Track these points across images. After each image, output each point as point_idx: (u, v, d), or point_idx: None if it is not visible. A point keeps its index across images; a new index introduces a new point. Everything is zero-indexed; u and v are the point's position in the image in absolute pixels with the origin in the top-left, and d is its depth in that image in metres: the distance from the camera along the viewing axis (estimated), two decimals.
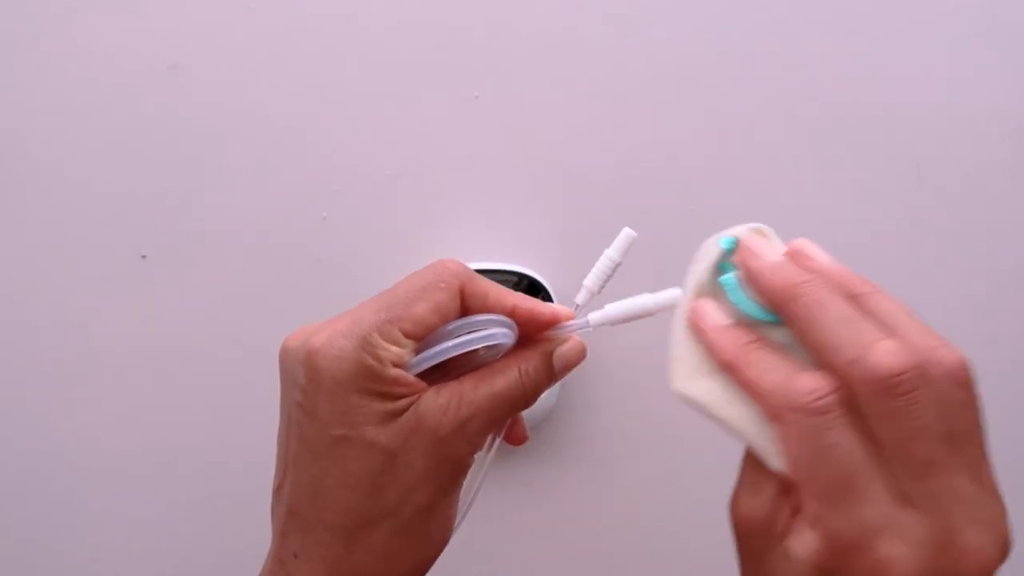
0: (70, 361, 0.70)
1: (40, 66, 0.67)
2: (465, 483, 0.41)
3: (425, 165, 0.68)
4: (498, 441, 0.42)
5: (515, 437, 0.44)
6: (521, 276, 0.67)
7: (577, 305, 0.42)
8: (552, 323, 0.41)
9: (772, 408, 0.32)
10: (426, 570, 0.40)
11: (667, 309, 0.39)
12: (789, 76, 0.68)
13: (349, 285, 0.69)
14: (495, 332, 0.39)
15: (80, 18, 0.66)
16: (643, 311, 0.41)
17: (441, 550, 0.40)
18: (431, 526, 0.38)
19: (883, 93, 0.68)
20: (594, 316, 0.41)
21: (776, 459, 0.32)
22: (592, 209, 0.68)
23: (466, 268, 0.39)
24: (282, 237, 0.69)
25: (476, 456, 0.41)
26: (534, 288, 0.67)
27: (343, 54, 0.67)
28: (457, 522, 0.41)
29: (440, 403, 0.37)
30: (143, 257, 0.69)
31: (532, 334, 0.41)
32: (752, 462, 0.34)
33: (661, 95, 0.68)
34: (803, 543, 0.30)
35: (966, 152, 0.69)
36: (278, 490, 0.39)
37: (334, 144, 0.68)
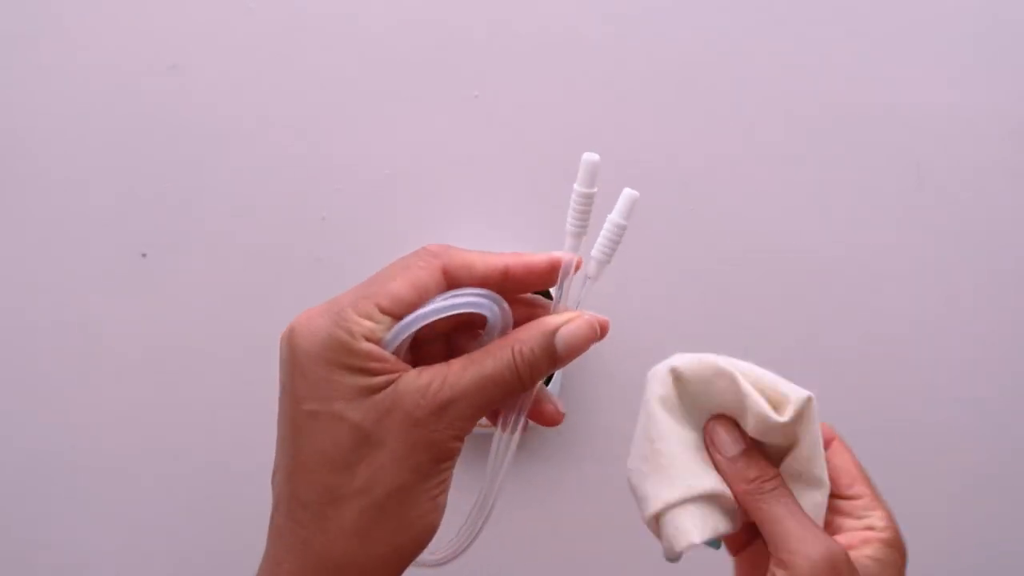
0: (70, 360, 0.70)
1: (40, 66, 0.67)
2: (489, 466, 0.40)
3: (425, 165, 0.68)
4: (522, 422, 0.40)
5: (545, 417, 0.42)
6: None
7: (588, 278, 0.40)
8: (552, 271, 0.39)
9: (827, 437, 0.43)
10: (408, 557, 0.38)
11: (632, 208, 0.40)
12: (789, 76, 0.68)
13: (349, 285, 0.69)
14: (471, 300, 0.37)
15: (80, 18, 0.66)
16: (621, 229, 0.40)
17: (426, 538, 0.38)
18: (409, 509, 0.36)
19: (883, 93, 0.68)
20: (590, 268, 0.39)
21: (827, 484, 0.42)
22: (592, 209, 0.68)
23: (448, 247, 0.38)
24: (282, 237, 0.69)
25: (499, 438, 0.40)
26: None
27: (343, 54, 0.67)
28: (491, 504, 0.41)
29: (419, 384, 0.36)
30: (143, 256, 0.69)
31: (537, 287, 0.40)
32: (798, 528, 0.39)
33: (661, 95, 0.68)
34: (883, 518, 0.41)
35: (966, 152, 0.69)
36: (273, 474, 0.39)
37: (334, 144, 0.68)
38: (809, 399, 0.40)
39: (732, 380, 0.41)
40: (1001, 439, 0.73)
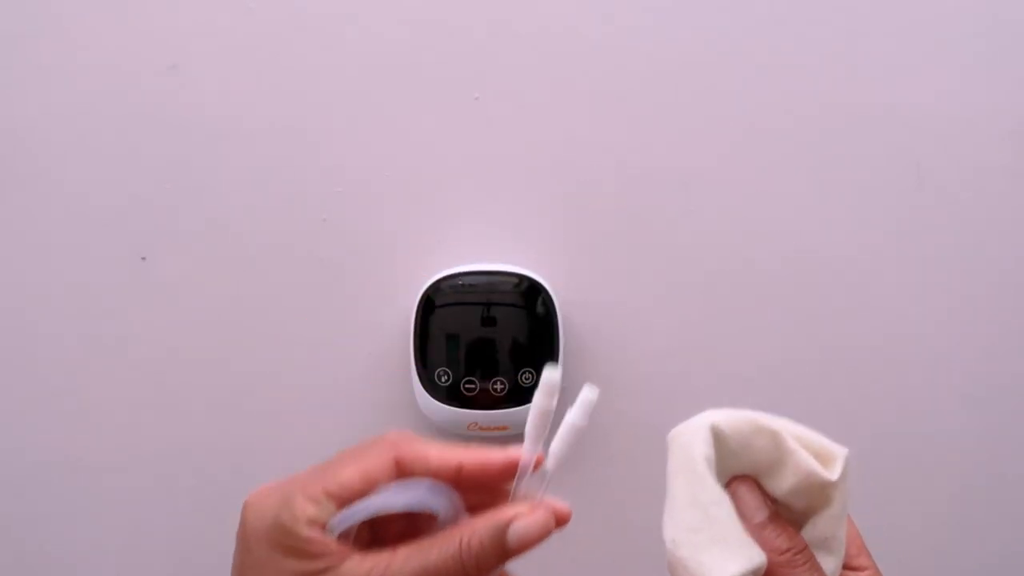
0: (70, 362, 0.70)
1: (40, 66, 0.66)
2: None
3: (425, 165, 0.68)
4: None
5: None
6: (521, 277, 0.67)
7: (547, 471, 0.39)
8: (508, 470, 0.38)
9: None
10: None
11: (590, 410, 0.39)
12: (789, 76, 0.68)
13: (349, 287, 0.69)
14: (419, 497, 0.37)
15: (80, 18, 0.66)
16: (579, 432, 0.39)
17: None
18: None
19: (883, 93, 0.68)
20: (548, 463, 0.39)
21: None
22: (592, 209, 0.68)
23: (406, 435, 0.39)
24: (282, 238, 0.69)
25: None
26: (534, 290, 0.67)
27: (343, 54, 0.67)
28: None
29: (360, 572, 0.36)
30: (143, 259, 0.69)
31: (494, 486, 0.39)
32: None
33: (661, 95, 0.68)
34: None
35: (966, 152, 0.69)
36: None
37: (334, 145, 0.68)
38: (847, 455, 0.38)
39: (773, 437, 0.38)
40: (1001, 439, 0.73)
